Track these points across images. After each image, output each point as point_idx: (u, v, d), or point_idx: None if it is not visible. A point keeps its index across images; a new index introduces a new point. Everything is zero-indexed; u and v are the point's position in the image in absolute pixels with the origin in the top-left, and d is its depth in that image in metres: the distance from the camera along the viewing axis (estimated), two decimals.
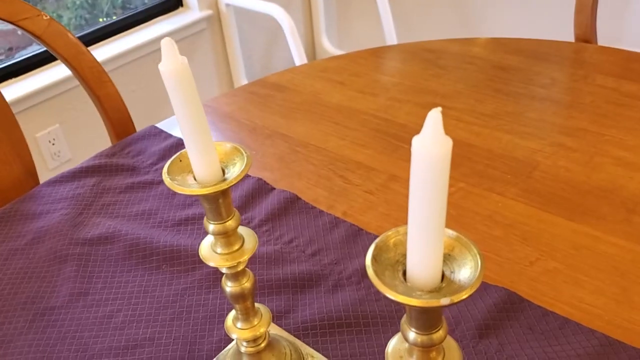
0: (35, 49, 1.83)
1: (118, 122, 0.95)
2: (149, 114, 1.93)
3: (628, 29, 1.99)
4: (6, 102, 0.89)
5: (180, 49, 2.04)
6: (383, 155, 0.81)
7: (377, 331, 0.58)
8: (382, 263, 0.35)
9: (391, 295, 0.32)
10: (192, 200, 0.78)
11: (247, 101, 0.98)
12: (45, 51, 1.81)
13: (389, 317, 0.59)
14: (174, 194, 0.79)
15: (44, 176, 1.11)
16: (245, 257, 0.46)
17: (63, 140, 1.82)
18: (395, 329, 0.57)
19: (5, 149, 0.88)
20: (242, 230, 0.47)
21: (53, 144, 1.79)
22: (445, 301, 0.32)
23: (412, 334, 0.37)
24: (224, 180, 0.42)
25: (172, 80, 0.38)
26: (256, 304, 0.51)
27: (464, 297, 0.33)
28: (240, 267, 0.47)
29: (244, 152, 0.43)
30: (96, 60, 0.93)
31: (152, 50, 1.94)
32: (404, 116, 0.89)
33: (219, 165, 0.42)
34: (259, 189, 0.78)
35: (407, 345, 0.38)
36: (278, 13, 1.80)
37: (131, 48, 1.89)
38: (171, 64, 0.37)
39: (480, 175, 0.76)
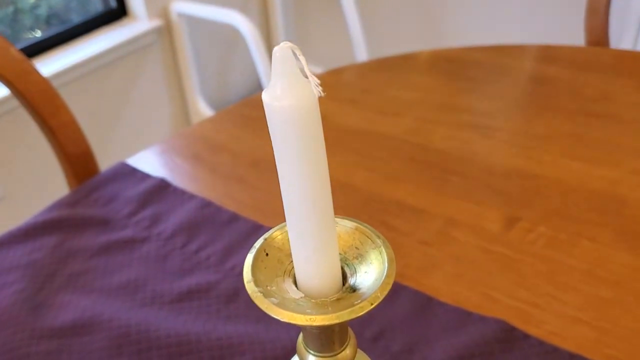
0: None
1: (77, 159, 0.75)
2: (94, 147, 1.70)
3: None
4: None
5: (126, 65, 1.81)
6: (429, 191, 0.65)
7: None
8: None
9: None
10: (194, 263, 0.59)
11: (240, 127, 0.79)
12: None
13: None
14: (166, 255, 0.60)
15: None
16: None
17: None
18: None
19: None
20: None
21: None
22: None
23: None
24: (352, 291, 0.24)
25: (292, 124, 0.20)
26: None
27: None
28: None
29: (376, 239, 0.25)
30: (47, 82, 0.73)
31: (91, 69, 1.71)
32: (441, 141, 0.72)
33: (340, 267, 0.25)
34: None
35: None
36: (239, 21, 1.61)
37: (68, 67, 1.65)
38: (296, 94, 0.19)
39: (559, 215, 0.60)
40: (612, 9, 1.09)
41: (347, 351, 0.25)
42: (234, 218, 0.64)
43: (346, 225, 0.25)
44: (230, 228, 0.63)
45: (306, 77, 0.19)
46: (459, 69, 0.88)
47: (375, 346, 0.49)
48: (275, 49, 0.19)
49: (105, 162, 0.82)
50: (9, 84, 0.69)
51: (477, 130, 0.74)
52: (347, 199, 0.65)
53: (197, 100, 1.94)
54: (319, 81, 0.19)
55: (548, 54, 0.90)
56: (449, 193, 0.64)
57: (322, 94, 0.19)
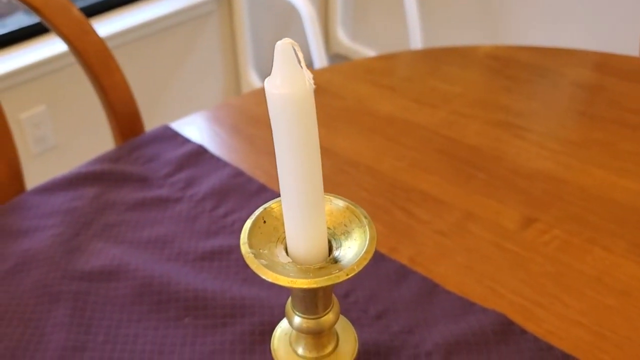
0: (21, 20, 1.65)
1: (124, 118, 0.79)
2: (145, 109, 1.76)
3: None
4: None
5: (183, 31, 1.86)
6: (453, 185, 0.67)
7: None
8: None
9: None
10: (220, 226, 0.62)
11: None
12: (35, 24, 1.63)
13: None
14: (196, 216, 0.63)
15: (26, 163, 0.95)
16: None
17: (49, 124, 1.64)
18: None
19: None
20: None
21: (38, 128, 1.61)
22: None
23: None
24: (335, 262, 0.27)
25: (289, 110, 0.23)
26: None
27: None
28: None
29: (363, 219, 0.28)
30: (103, 43, 0.77)
31: (149, 32, 1.76)
32: (473, 136, 0.74)
33: (327, 240, 0.27)
34: None
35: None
36: (298, 0, 1.64)
37: (128, 28, 1.71)
38: (293, 84, 0.22)
39: (577, 221, 0.61)
40: None
41: (330, 315, 0.28)
42: (262, 189, 0.67)
43: (338, 204, 0.28)
44: (257, 198, 0.66)
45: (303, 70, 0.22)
46: (503, 67, 0.88)
47: (377, 323, 0.51)
48: (278, 44, 0.22)
49: (153, 123, 0.86)
50: (68, 42, 0.74)
51: (509, 130, 0.75)
52: (372, 183, 0.67)
53: (249, 73, 1.97)
54: (312, 75, 0.21)
55: (595, 61, 0.90)
56: (472, 188, 0.66)
57: (314, 86, 0.22)
